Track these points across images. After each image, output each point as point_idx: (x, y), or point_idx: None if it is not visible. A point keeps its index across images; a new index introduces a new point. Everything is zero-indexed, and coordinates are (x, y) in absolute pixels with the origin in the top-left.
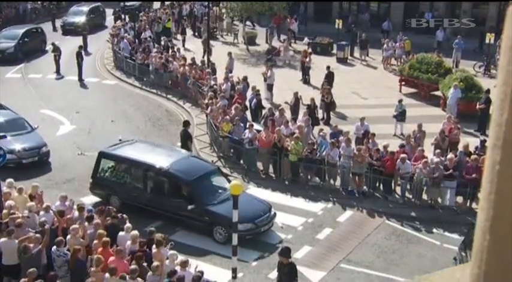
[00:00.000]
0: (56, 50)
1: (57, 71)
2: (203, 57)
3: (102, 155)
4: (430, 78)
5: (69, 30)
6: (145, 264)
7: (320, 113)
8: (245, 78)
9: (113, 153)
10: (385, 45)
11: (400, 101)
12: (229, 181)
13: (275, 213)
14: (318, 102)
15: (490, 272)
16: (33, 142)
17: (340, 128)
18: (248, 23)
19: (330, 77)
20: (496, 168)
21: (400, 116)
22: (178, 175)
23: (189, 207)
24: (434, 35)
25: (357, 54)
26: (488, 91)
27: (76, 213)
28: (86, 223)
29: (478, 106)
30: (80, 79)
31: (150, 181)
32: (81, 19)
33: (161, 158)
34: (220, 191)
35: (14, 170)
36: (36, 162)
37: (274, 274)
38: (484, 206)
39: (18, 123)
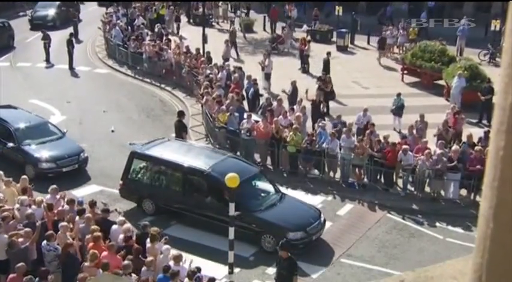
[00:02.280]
0: (46, 38)
1: (47, 60)
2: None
3: (134, 155)
4: (433, 67)
5: (38, 24)
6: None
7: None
8: (240, 68)
9: (146, 154)
10: (387, 33)
11: (399, 94)
12: (274, 185)
13: (325, 220)
14: (314, 90)
15: (492, 261)
16: (71, 149)
17: (343, 120)
18: (243, 9)
19: (326, 65)
20: (500, 154)
21: (398, 110)
22: (221, 178)
23: (235, 213)
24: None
25: (357, 42)
26: (489, 81)
27: (66, 207)
28: (77, 217)
29: (481, 97)
30: (71, 68)
31: (189, 184)
32: (50, 12)
33: (200, 160)
34: (266, 195)
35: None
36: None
37: (272, 269)
38: (487, 193)
39: (45, 128)
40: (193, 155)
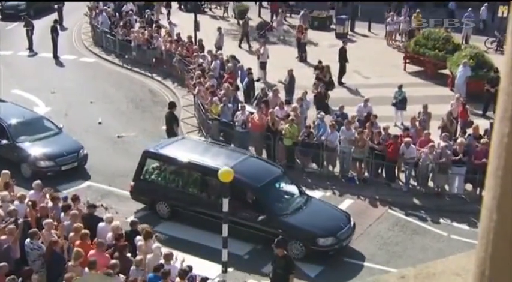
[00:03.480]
0: (29, 25)
1: (30, 48)
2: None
3: (147, 155)
4: (437, 55)
5: (10, 14)
6: (129, 254)
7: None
8: (234, 57)
9: (161, 153)
10: (388, 19)
11: (400, 86)
12: (298, 186)
13: (354, 224)
14: (311, 82)
15: (497, 255)
16: (69, 145)
17: (345, 111)
18: None
19: (343, 54)
20: (504, 142)
21: (400, 103)
22: (244, 180)
23: (260, 218)
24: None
25: (357, 29)
26: (496, 70)
27: (50, 204)
28: (62, 214)
29: (490, 88)
30: (55, 56)
31: (208, 186)
32: (22, 1)
33: (220, 160)
34: (291, 198)
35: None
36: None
37: (268, 268)
38: (490, 183)
39: (41, 124)
40: (212, 154)
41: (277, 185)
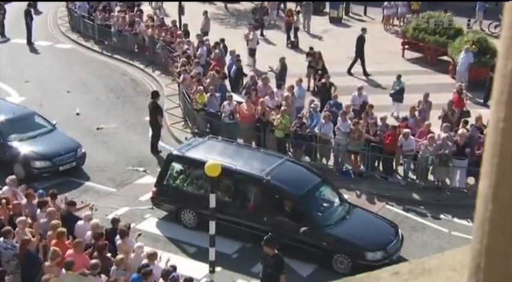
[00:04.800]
0: (0, 8)
1: (2, 33)
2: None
3: (172, 158)
4: (437, 41)
5: None
6: (109, 254)
7: (307, 82)
8: (222, 41)
9: (188, 157)
10: (385, 3)
11: (399, 76)
12: (339, 194)
13: (403, 236)
14: (304, 70)
15: (492, 246)
16: (66, 144)
17: (340, 101)
18: None
19: (360, 43)
20: (500, 127)
21: (398, 94)
22: (283, 188)
23: (302, 229)
24: None
25: (352, 13)
26: None
27: (24, 201)
28: (38, 210)
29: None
30: (29, 42)
31: (241, 193)
32: None
33: (254, 164)
34: (333, 207)
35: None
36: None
37: (258, 267)
38: (486, 170)
39: (33, 121)
40: (244, 158)
41: (318, 193)
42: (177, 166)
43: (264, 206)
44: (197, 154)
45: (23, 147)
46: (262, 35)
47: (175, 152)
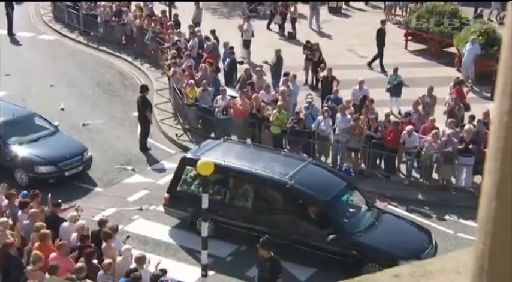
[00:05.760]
0: None
1: None
2: None
3: (186, 162)
4: (442, 32)
5: None
6: (95, 261)
7: (304, 75)
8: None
9: None
10: None
11: (396, 70)
12: (366, 198)
13: (437, 244)
14: (301, 62)
15: (496, 247)
16: (71, 147)
17: (340, 95)
18: None
19: (381, 36)
20: (504, 121)
21: (395, 89)
22: (309, 193)
23: (330, 237)
24: None
25: (353, 2)
26: None
27: (5, 202)
28: (20, 212)
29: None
30: (10, 33)
31: (261, 199)
32: None
33: (276, 167)
34: (361, 213)
35: None
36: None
37: (253, 271)
38: (490, 167)
39: (33, 122)
40: (264, 160)
41: (345, 198)
42: (192, 170)
43: (287, 212)
44: (213, 157)
45: (25, 151)
46: (268, 28)
47: (189, 156)
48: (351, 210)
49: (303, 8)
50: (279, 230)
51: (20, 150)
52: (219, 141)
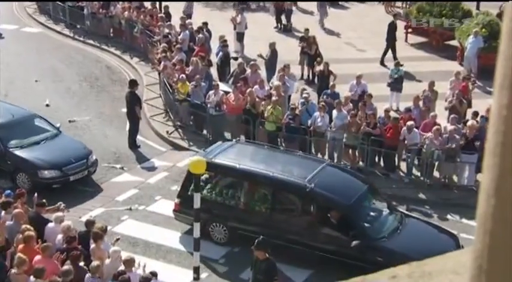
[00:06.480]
0: None
1: None
2: None
3: None
4: (443, 24)
5: None
6: (82, 263)
7: (300, 70)
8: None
9: (216, 163)
10: None
11: (397, 63)
12: (388, 201)
13: (463, 248)
14: (297, 56)
15: (495, 246)
16: (76, 150)
17: (337, 90)
18: None
19: (392, 30)
20: (503, 114)
21: (396, 84)
22: (330, 196)
23: (353, 243)
24: None
25: None
26: None
27: None
28: (3, 212)
29: None
30: None
31: (279, 203)
32: None
33: (293, 170)
34: (384, 216)
35: None
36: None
37: (247, 273)
38: (489, 162)
39: (34, 124)
40: (280, 163)
41: (367, 201)
42: (203, 174)
43: (307, 217)
44: (227, 160)
45: (28, 155)
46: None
47: (203, 158)
48: (373, 214)
49: (308, 5)
50: (301, 235)
51: (23, 154)
52: (231, 142)
